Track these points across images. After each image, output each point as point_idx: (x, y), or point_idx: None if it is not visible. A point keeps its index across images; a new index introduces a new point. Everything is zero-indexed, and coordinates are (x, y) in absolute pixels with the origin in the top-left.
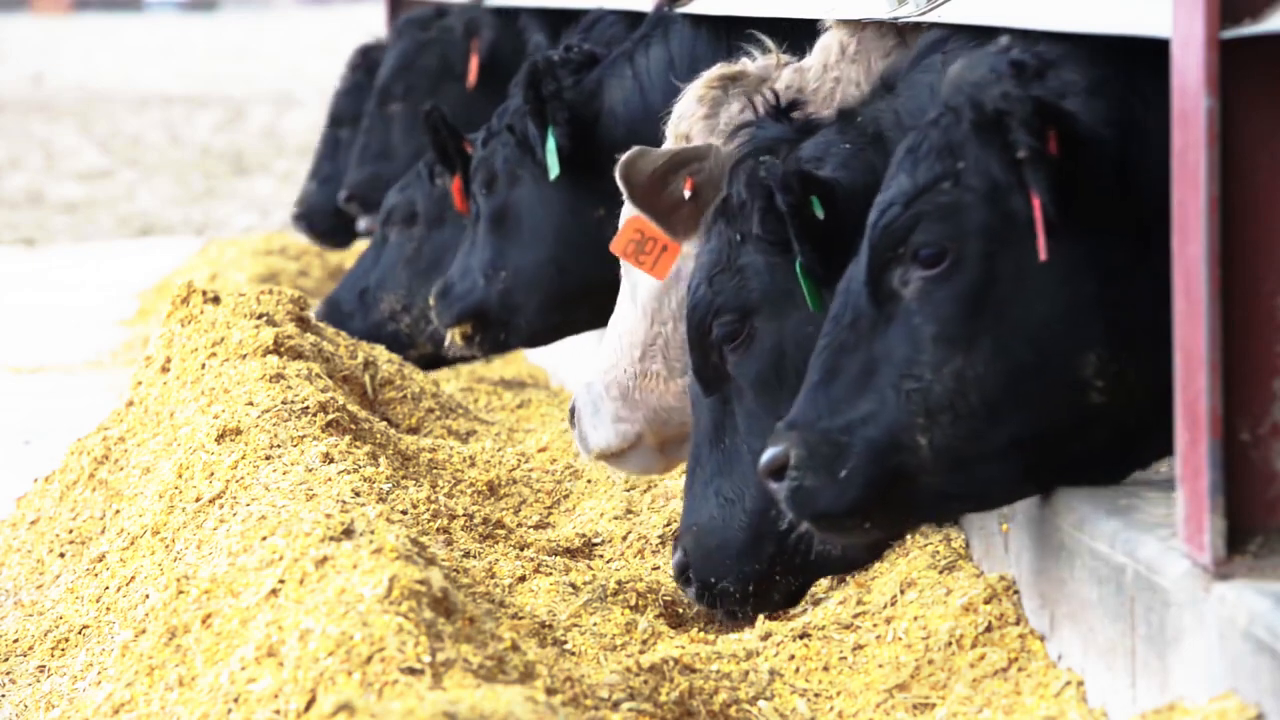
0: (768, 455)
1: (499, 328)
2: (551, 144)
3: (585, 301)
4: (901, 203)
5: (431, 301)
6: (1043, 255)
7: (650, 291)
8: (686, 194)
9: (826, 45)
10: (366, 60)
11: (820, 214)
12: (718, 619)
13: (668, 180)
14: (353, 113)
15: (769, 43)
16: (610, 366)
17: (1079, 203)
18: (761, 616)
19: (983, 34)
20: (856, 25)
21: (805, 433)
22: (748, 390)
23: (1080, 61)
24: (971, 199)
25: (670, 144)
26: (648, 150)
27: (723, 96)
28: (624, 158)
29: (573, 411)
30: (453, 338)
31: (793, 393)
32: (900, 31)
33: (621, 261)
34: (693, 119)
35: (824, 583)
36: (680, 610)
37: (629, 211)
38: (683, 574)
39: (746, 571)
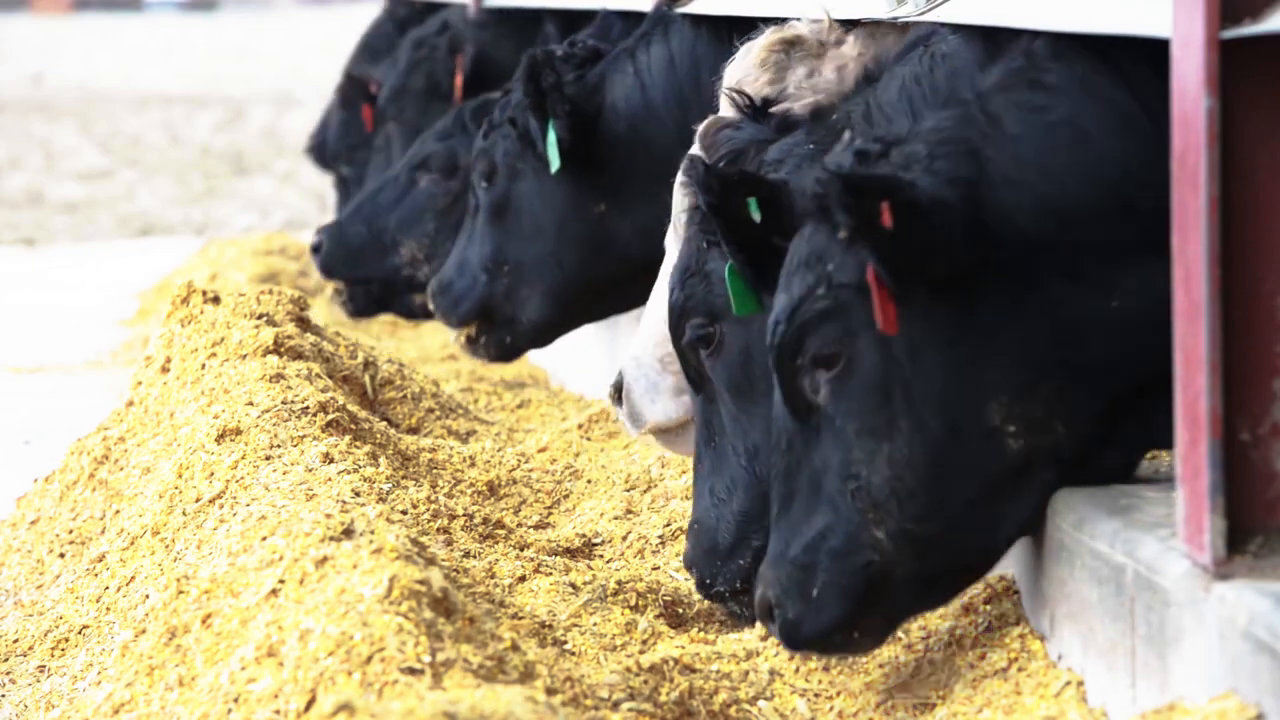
0: (757, 598)
1: (504, 327)
2: (552, 137)
3: (587, 299)
4: (785, 319)
5: (429, 299)
6: (890, 329)
7: None
8: None
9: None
10: (346, 91)
11: (757, 216)
12: (719, 618)
13: None
14: (347, 146)
15: (822, 8)
16: (663, 339)
17: (936, 264)
18: None
19: (978, 30)
20: None
21: (777, 568)
22: (724, 393)
23: (926, 135)
24: (846, 295)
25: (726, 108)
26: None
27: (785, 60)
28: (703, 126)
29: (619, 387)
30: (459, 339)
31: (763, 396)
32: None
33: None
34: (757, 84)
35: None
36: (680, 610)
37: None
38: (690, 569)
39: (734, 570)
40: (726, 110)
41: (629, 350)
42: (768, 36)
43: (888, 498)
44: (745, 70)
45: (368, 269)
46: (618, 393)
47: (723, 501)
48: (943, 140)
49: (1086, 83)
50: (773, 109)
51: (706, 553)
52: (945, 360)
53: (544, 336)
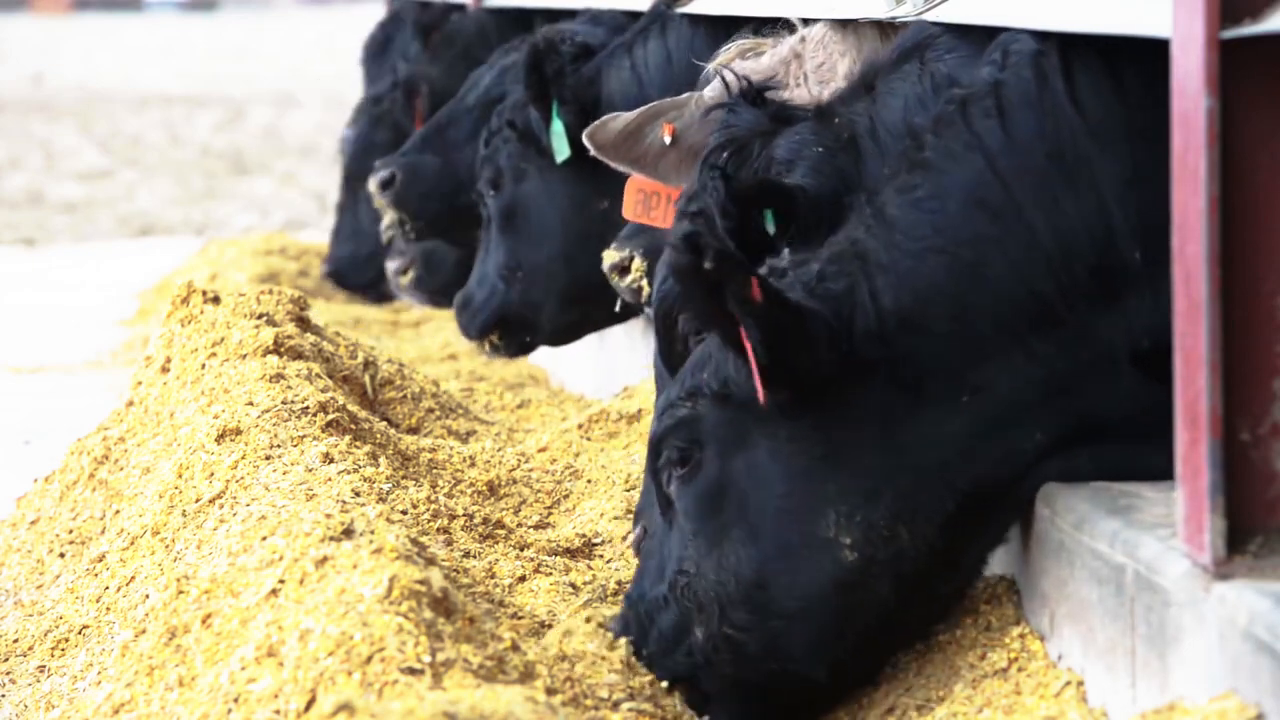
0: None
1: (522, 330)
2: (558, 125)
3: (599, 296)
4: (658, 416)
5: (455, 314)
6: (764, 399)
7: None
8: (667, 139)
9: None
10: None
11: (772, 229)
12: None
13: (644, 132)
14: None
15: (809, 10)
16: None
17: (801, 358)
18: None
19: (971, 34)
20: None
21: (627, 606)
22: None
23: (823, 252)
24: (703, 405)
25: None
26: (616, 115)
27: (740, 62)
28: (591, 125)
29: None
30: (485, 347)
31: None
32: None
33: None
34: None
35: None
36: None
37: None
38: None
39: None
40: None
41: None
42: (729, 46)
43: (710, 601)
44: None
45: (439, 204)
46: None
47: None
48: (832, 257)
49: (955, 155)
50: (768, 94)
51: None
52: (785, 472)
53: (564, 337)
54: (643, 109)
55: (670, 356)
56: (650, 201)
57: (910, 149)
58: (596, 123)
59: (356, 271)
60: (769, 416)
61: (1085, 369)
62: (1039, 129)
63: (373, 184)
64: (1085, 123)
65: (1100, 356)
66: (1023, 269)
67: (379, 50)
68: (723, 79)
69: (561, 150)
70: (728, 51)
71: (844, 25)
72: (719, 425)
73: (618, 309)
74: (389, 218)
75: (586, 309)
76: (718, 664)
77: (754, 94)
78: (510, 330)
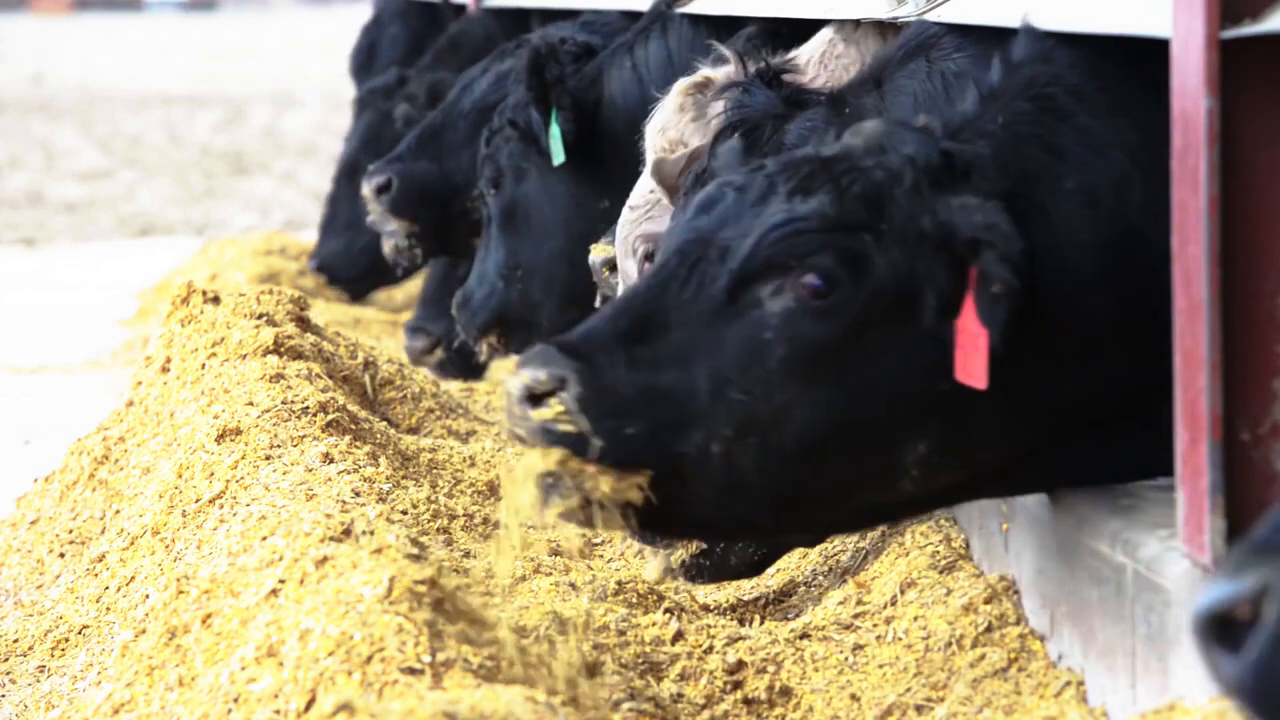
0: (531, 374)
1: (523, 330)
2: (555, 130)
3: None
4: (818, 226)
5: (454, 313)
6: (979, 382)
7: None
8: None
9: (822, 35)
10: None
11: None
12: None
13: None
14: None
15: (726, 52)
16: None
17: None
18: (758, 617)
19: (974, 33)
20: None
21: (591, 371)
22: None
23: (992, 166)
24: (883, 264)
25: (653, 154)
26: (664, 159)
27: (704, 99)
28: (653, 163)
29: None
30: (483, 348)
31: None
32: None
33: None
34: (681, 125)
35: (823, 582)
36: (681, 610)
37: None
38: None
39: None
40: (653, 153)
41: None
42: (681, 83)
43: (755, 430)
44: (667, 115)
45: (434, 210)
46: None
47: None
48: (1006, 193)
49: (1094, 149)
50: (785, 77)
51: None
52: (909, 382)
53: None
54: (688, 151)
55: None
56: None
57: (1024, 116)
58: (655, 160)
59: (345, 266)
60: (941, 335)
61: (1163, 385)
62: (1160, 131)
63: (367, 189)
64: None
65: None
66: (1161, 281)
67: (366, 60)
68: (741, 61)
69: (557, 154)
70: (680, 87)
71: (845, 38)
72: (885, 294)
73: (597, 305)
74: (391, 226)
75: (586, 309)
76: (710, 483)
77: (771, 75)
78: (512, 331)
